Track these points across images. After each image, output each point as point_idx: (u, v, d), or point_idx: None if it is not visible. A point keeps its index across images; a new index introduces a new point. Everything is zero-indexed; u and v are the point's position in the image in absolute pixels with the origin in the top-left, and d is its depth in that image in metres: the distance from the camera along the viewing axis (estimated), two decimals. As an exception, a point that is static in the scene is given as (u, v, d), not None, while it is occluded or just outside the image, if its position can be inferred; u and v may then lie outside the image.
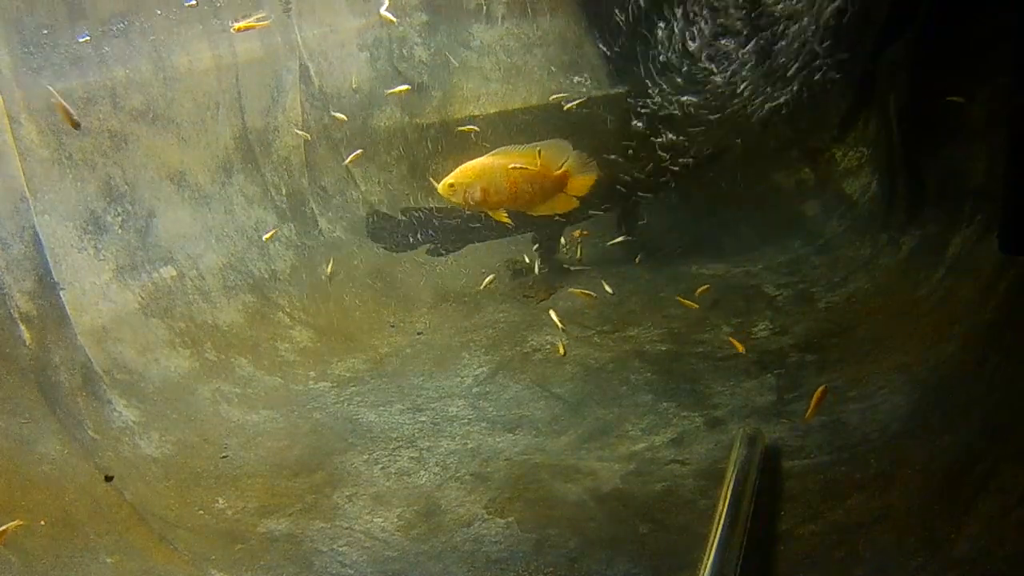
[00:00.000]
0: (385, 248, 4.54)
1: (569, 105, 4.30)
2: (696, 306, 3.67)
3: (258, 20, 3.52)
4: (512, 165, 3.71)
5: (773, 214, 4.47)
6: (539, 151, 3.98)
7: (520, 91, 4.78)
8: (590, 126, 4.31)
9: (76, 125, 2.84)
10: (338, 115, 4.36)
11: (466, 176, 3.96)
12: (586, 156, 4.10)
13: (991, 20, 3.09)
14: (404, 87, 4.53)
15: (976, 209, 3.24)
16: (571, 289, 4.27)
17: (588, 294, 4.16)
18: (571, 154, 4.06)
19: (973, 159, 3.29)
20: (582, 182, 4.09)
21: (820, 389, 2.69)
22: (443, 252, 4.66)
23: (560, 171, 3.96)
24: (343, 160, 4.49)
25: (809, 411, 2.69)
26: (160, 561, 2.39)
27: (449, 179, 4.04)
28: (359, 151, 4.25)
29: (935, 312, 3.14)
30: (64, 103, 2.64)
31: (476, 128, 4.32)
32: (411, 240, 4.55)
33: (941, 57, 3.40)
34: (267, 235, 3.75)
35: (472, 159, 3.82)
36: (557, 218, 4.46)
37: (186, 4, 3.49)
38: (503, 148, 4.08)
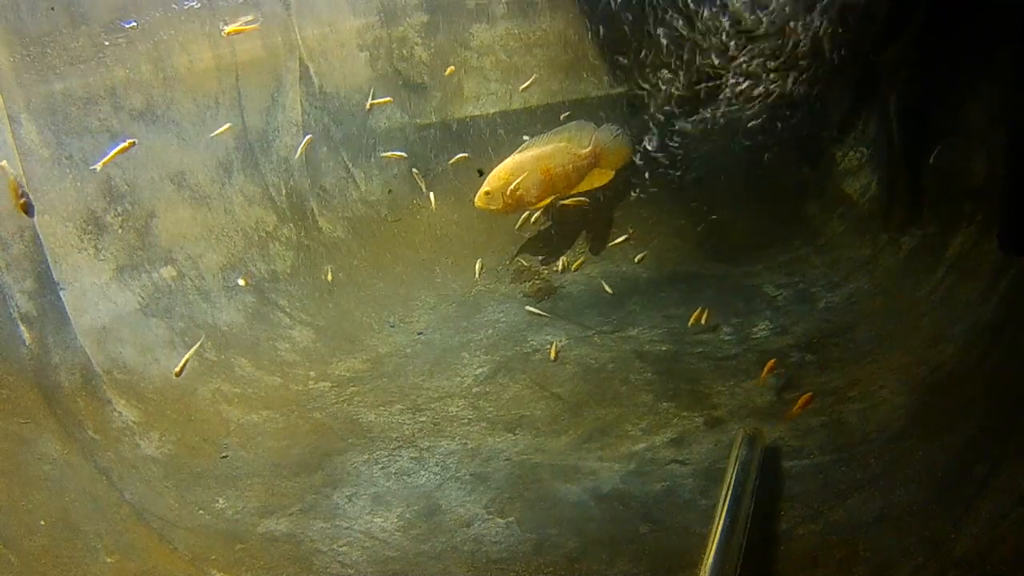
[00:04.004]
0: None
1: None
2: (704, 322, 3.62)
3: (246, 23, 3.49)
4: (516, 180, 3.69)
5: (773, 214, 4.46)
6: (564, 136, 3.93)
7: (520, 91, 4.78)
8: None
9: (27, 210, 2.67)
10: (384, 99, 4.33)
11: (500, 180, 3.91)
12: (614, 128, 4.05)
13: (991, 20, 3.08)
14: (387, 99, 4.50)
15: (976, 209, 3.23)
16: (563, 202, 4.11)
17: (582, 201, 4.02)
18: (596, 131, 4.01)
19: (973, 159, 3.29)
20: (615, 154, 4.04)
21: (807, 395, 2.70)
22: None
23: (588, 148, 3.91)
24: (339, 158, 4.47)
25: (794, 409, 2.70)
26: (160, 561, 2.39)
27: (484, 188, 3.98)
28: (309, 136, 4.17)
29: (935, 312, 3.14)
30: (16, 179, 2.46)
31: (467, 155, 4.29)
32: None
33: (941, 57, 3.40)
34: (242, 280, 3.71)
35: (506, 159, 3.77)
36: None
37: (127, 25, 3.42)
38: (528, 142, 4.04)
